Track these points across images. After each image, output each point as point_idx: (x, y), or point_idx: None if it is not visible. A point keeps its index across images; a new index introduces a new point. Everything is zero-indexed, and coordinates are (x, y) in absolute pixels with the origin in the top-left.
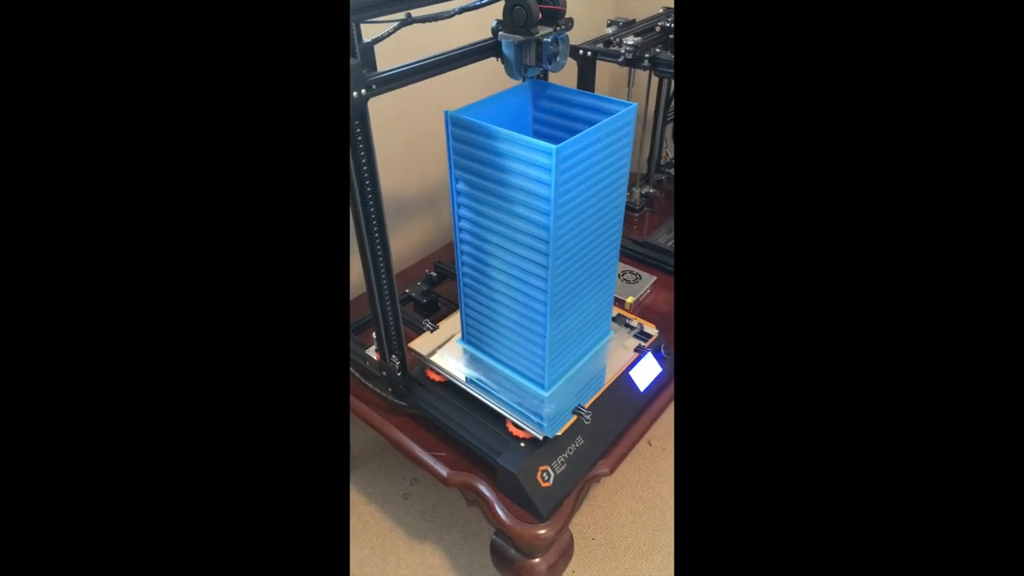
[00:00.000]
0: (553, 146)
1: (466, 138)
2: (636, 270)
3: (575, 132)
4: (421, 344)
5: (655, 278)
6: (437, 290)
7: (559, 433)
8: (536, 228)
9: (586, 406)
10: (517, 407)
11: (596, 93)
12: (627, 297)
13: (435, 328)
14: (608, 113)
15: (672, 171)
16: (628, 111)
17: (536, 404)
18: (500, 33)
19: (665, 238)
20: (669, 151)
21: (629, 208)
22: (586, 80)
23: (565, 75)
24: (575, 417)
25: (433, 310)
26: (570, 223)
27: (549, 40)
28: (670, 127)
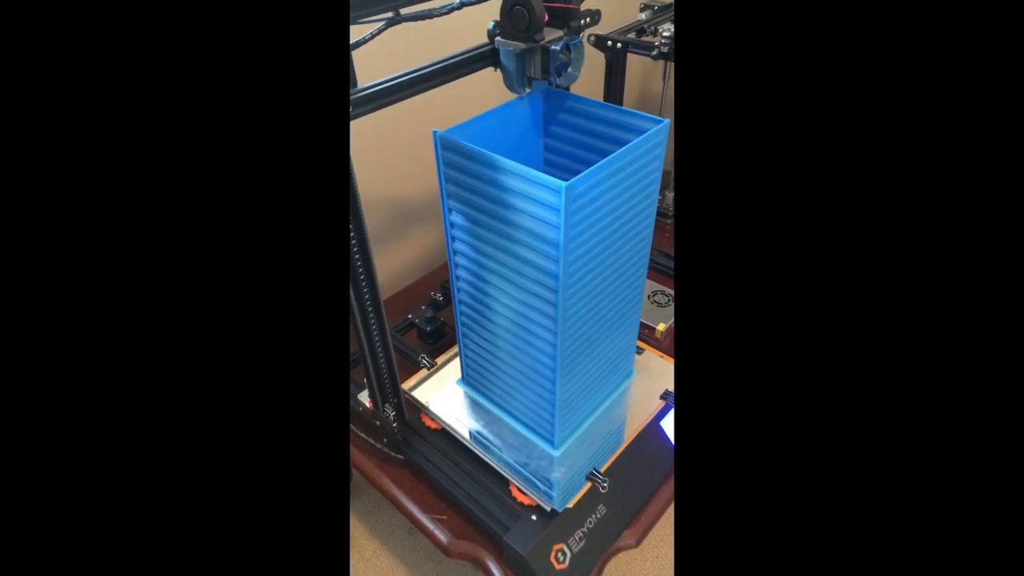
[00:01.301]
0: (562, 183)
1: (460, 165)
2: (668, 290)
3: (595, 151)
4: (415, 384)
5: None
6: (442, 316)
7: (570, 505)
8: (543, 275)
9: (602, 470)
10: (522, 471)
11: (625, 93)
12: (657, 324)
13: (432, 365)
14: (635, 131)
15: None
16: (659, 130)
17: (544, 467)
18: (497, 39)
19: None
20: None
21: (660, 214)
22: (615, 76)
23: (592, 67)
24: (589, 484)
25: (439, 338)
26: (584, 267)
27: (558, 47)
28: None
